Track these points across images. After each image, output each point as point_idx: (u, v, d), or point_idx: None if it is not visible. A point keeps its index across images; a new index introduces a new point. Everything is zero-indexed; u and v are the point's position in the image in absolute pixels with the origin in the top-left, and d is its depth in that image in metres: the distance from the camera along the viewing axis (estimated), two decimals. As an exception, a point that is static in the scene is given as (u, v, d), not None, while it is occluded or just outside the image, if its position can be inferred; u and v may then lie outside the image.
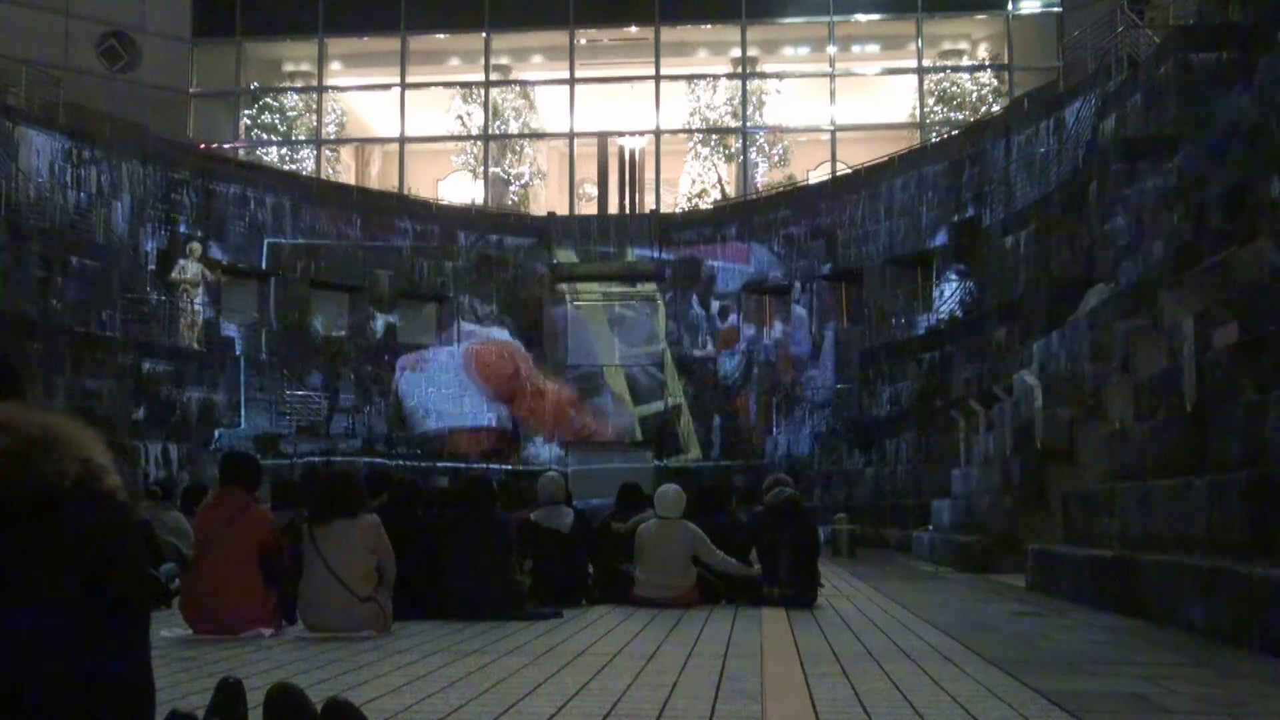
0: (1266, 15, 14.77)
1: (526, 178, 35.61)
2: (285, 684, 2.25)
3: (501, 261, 30.74)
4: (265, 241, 27.75)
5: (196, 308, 25.90)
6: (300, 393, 26.97)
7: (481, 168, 35.18)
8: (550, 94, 35.80)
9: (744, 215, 30.78)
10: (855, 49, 35.30)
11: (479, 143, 35.36)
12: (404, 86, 35.28)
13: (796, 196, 30.57)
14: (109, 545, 1.29)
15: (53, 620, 1.23)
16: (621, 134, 34.84)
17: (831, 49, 34.25)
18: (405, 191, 33.74)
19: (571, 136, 35.05)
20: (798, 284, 29.20)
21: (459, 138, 35.69)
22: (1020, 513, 12.05)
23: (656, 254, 30.78)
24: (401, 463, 25.87)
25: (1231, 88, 13.53)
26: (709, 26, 35.37)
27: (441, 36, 35.96)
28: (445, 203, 33.88)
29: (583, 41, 35.36)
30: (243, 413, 25.65)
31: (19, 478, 1.23)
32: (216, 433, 24.38)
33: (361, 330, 29.09)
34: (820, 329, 28.77)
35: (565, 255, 31.09)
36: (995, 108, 31.67)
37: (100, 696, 1.26)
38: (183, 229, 26.26)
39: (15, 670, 1.19)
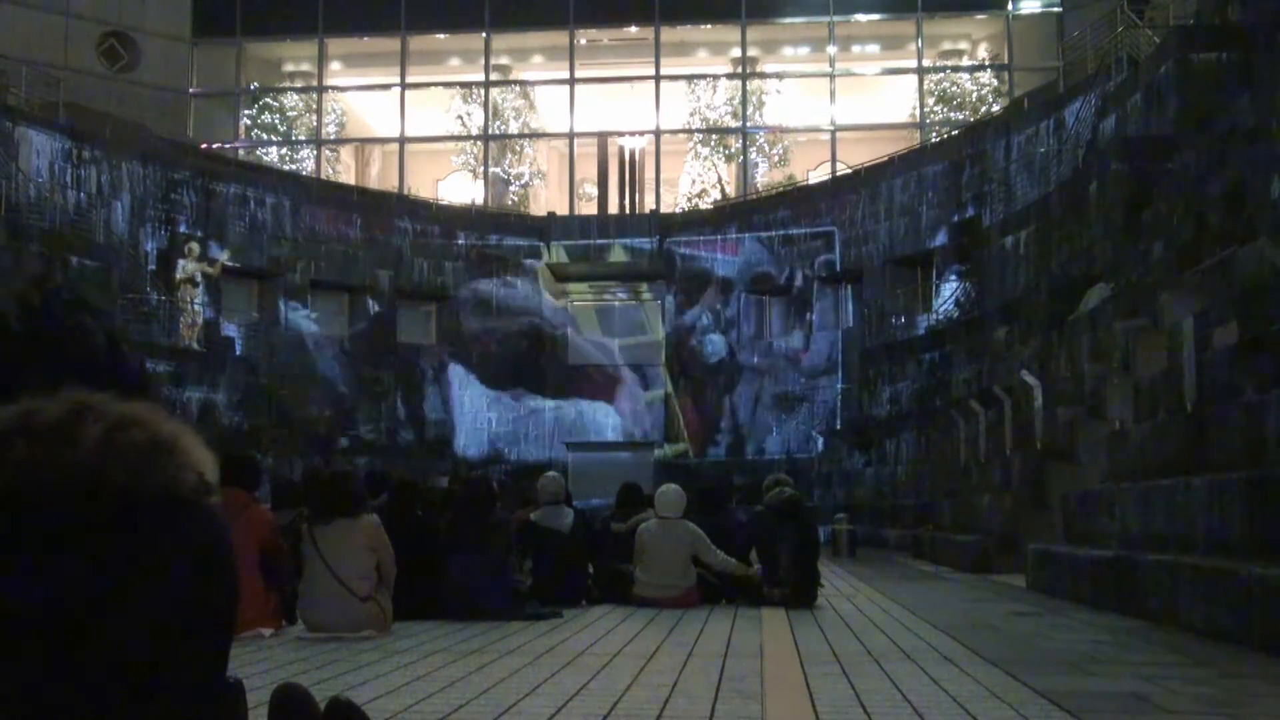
0: (1266, 15, 14.76)
1: (526, 177, 35.60)
2: (291, 684, 2.25)
3: (501, 261, 30.74)
4: (265, 241, 27.74)
5: (196, 308, 25.88)
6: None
7: (481, 168, 35.18)
8: (550, 94, 35.80)
9: (744, 215, 30.77)
10: (855, 49, 35.30)
11: (479, 143, 35.36)
12: (404, 86, 35.28)
13: (796, 196, 30.56)
14: (218, 558, 1.32)
15: (166, 625, 1.24)
16: (621, 134, 34.83)
17: (831, 49, 34.25)
18: (405, 191, 33.73)
19: (571, 136, 35.05)
20: (797, 284, 29.20)
21: (459, 138, 35.69)
22: (1020, 513, 12.04)
23: (656, 253, 30.77)
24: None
25: (1231, 88, 13.53)
26: (709, 26, 35.36)
27: (441, 36, 35.96)
28: (445, 203, 33.87)
29: (583, 41, 35.35)
30: (243, 412, 25.60)
31: (146, 474, 1.24)
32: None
33: (361, 330, 29.07)
34: (820, 328, 28.78)
35: (565, 255, 31.09)
36: (995, 108, 31.68)
37: (209, 707, 1.30)
38: (183, 229, 26.24)
39: (137, 664, 1.21)
